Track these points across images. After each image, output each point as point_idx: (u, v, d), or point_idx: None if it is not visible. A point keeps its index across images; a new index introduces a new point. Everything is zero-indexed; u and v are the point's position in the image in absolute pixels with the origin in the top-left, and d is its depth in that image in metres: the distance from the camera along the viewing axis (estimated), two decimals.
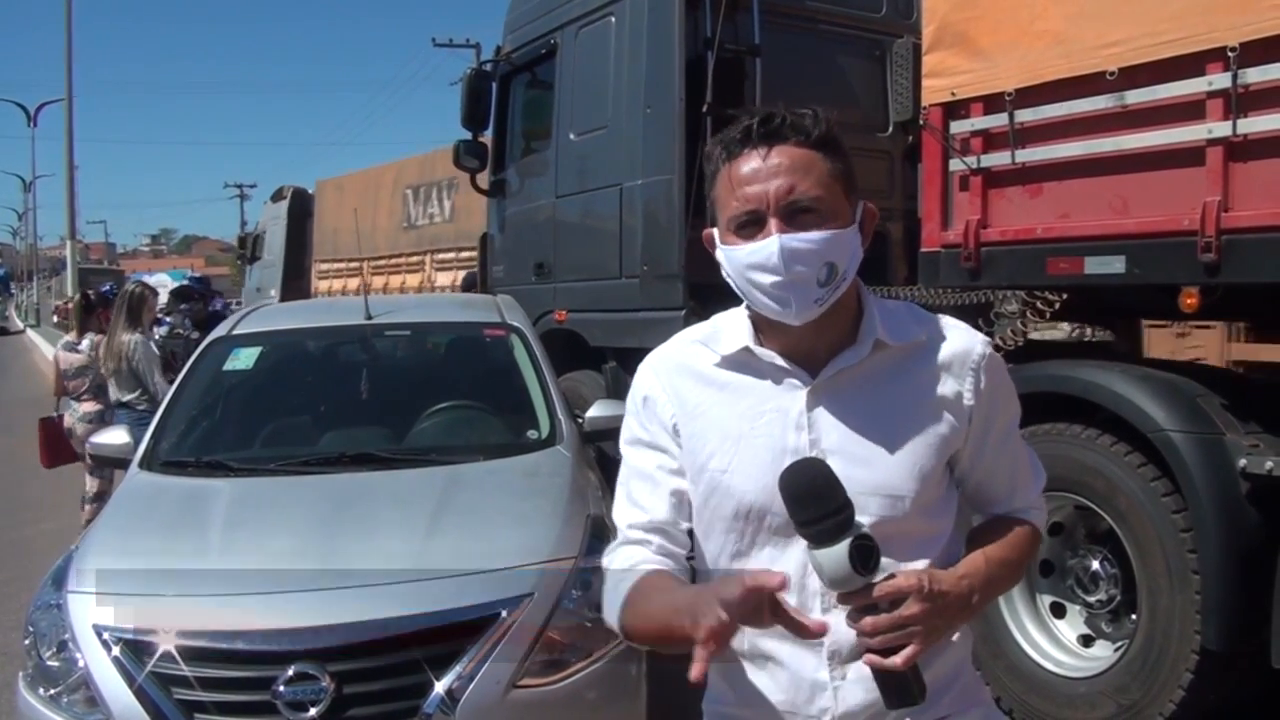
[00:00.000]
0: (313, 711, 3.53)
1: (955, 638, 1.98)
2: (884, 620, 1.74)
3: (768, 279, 1.86)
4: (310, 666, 3.58)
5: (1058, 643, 5.08)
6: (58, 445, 8.68)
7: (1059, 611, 5.13)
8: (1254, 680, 4.56)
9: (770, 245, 1.84)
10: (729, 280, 1.96)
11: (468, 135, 9.37)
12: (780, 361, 1.97)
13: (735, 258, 1.90)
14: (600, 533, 4.31)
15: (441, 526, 4.26)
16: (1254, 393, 4.87)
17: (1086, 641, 5.05)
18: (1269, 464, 4.23)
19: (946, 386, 1.97)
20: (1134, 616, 4.70)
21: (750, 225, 1.88)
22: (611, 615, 2.01)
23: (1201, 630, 4.34)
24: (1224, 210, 4.23)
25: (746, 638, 1.96)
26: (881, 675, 1.78)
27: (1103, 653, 4.93)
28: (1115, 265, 4.65)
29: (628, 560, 2.05)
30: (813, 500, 1.74)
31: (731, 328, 2.05)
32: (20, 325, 59.24)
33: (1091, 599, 4.96)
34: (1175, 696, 4.45)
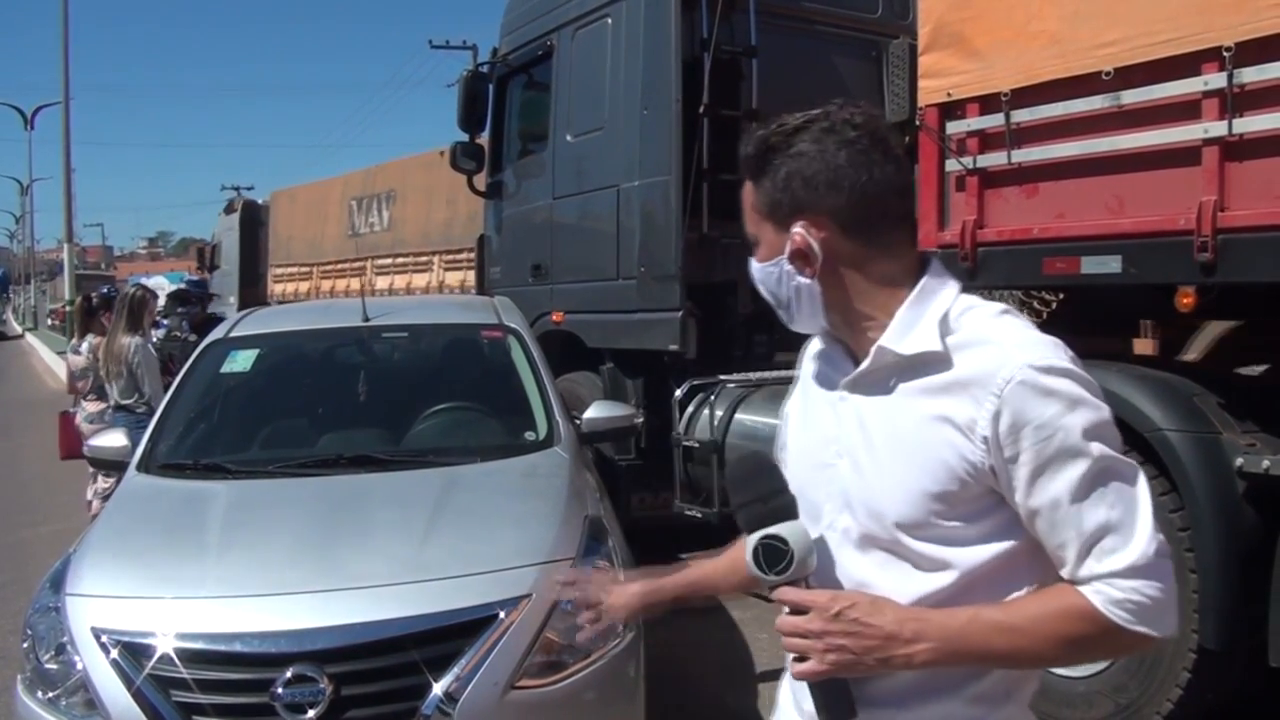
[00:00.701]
0: (311, 713, 3.52)
1: (967, 691, 1.80)
2: (784, 623, 1.77)
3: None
4: (309, 668, 3.57)
5: None
6: (72, 439, 8.76)
7: None
8: (1252, 679, 4.57)
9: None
10: None
11: (464, 137, 9.39)
12: (835, 353, 1.98)
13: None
14: (598, 533, 4.32)
15: (439, 528, 4.26)
16: (1250, 392, 4.88)
17: None
18: (1266, 463, 4.23)
19: (959, 410, 1.74)
20: None
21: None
22: None
23: (1199, 629, 4.35)
24: (1220, 210, 4.23)
25: None
26: (810, 684, 1.79)
27: None
28: (1111, 265, 4.65)
29: None
30: (734, 487, 1.84)
31: None
32: (18, 329, 58.87)
33: None
34: (1173, 695, 4.46)
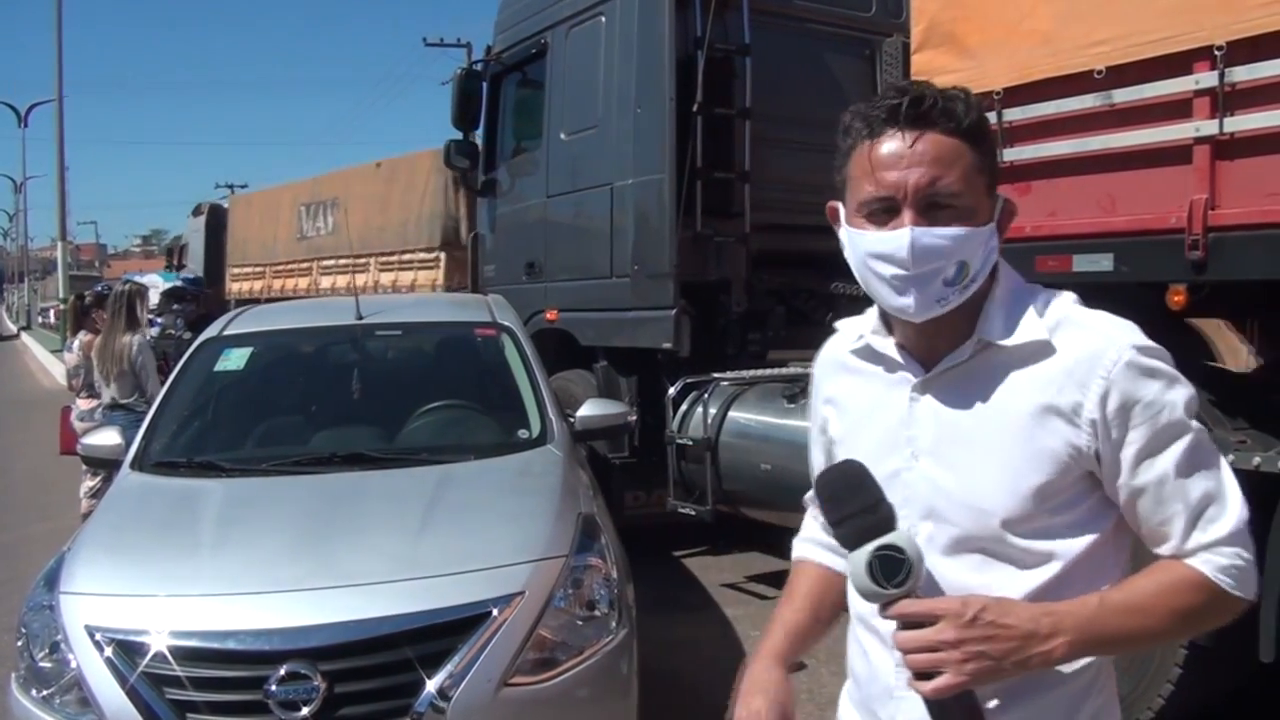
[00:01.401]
0: (305, 711, 3.54)
1: (1061, 685, 1.78)
2: (911, 640, 1.64)
3: (891, 270, 1.74)
4: (302, 666, 3.58)
5: None
6: (71, 434, 8.75)
7: None
8: (1242, 675, 4.58)
9: (901, 237, 1.72)
10: (848, 261, 1.85)
11: (458, 135, 9.40)
12: (896, 354, 1.88)
13: (860, 243, 1.79)
14: (591, 531, 4.33)
15: (433, 525, 4.27)
16: (1241, 389, 4.89)
17: None
18: (1256, 459, 4.24)
19: (1065, 395, 1.73)
20: None
21: (882, 212, 1.75)
22: None
23: None
24: (1211, 208, 4.23)
25: (854, 620, 1.96)
26: (928, 700, 1.66)
27: None
28: (1103, 263, 4.66)
29: (805, 525, 2.23)
30: (830, 502, 1.71)
31: (871, 315, 1.96)
32: (13, 328, 58.33)
33: None
34: (1164, 691, 4.47)
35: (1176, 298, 4.59)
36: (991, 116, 4.97)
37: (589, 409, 5.48)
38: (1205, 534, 1.73)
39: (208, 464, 5.09)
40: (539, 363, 5.83)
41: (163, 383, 6.28)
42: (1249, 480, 4.25)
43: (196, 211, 28.28)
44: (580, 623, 3.99)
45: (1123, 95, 4.51)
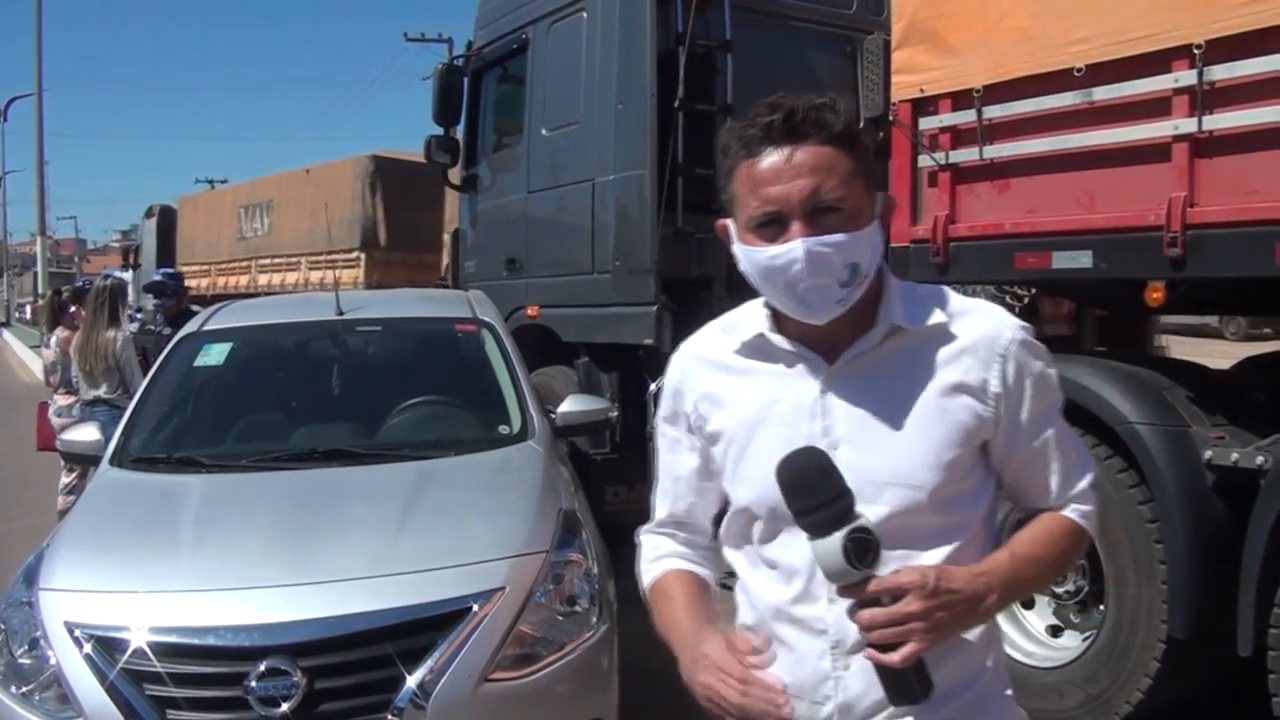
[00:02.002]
0: (285, 707, 3.53)
1: (973, 638, 1.92)
2: (881, 615, 1.72)
3: (790, 281, 1.82)
4: (282, 662, 3.57)
5: (1026, 633, 5.13)
6: (49, 430, 8.71)
7: (1027, 602, 5.16)
8: (1221, 669, 4.61)
9: (793, 250, 1.79)
10: (745, 275, 1.91)
11: (439, 130, 9.37)
12: (796, 348, 1.94)
13: (755, 259, 1.86)
14: (572, 526, 4.33)
15: (413, 521, 4.27)
16: (1220, 386, 4.92)
17: (1055, 632, 5.09)
18: (1234, 456, 4.27)
19: (970, 373, 1.90)
20: (1101, 607, 4.75)
21: (771, 225, 1.83)
22: (645, 596, 2.20)
23: (1168, 620, 4.39)
24: (1190, 206, 4.26)
25: (761, 616, 2.00)
26: (883, 671, 1.75)
27: (1071, 643, 4.97)
28: (1082, 260, 4.68)
29: (654, 547, 2.22)
30: (805, 490, 1.74)
31: (752, 313, 2.02)
32: None
33: (1059, 590, 4.99)
34: (1143, 685, 4.50)
35: (1155, 294, 4.62)
36: (971, 114, 5.00)
37: (570, 405, 5.48)
38: (1074, 489, 2.01)
39: (187, 460, 5.06)
40: (520, 358, 5.83)
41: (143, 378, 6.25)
42: (1227, 476, 4.30)
43: (149, 213, 29.94)
44: (561, 618, 3.99)
45: (1102, 93, 4.54)
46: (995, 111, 4.95)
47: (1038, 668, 4.97)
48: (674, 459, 2.17)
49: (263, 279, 21.73)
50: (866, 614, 1.73)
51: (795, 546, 1.89)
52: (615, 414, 6.63)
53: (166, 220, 28.65)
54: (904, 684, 1.74)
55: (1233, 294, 5.37)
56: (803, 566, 1.90)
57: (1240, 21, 4.04)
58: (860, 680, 1.87)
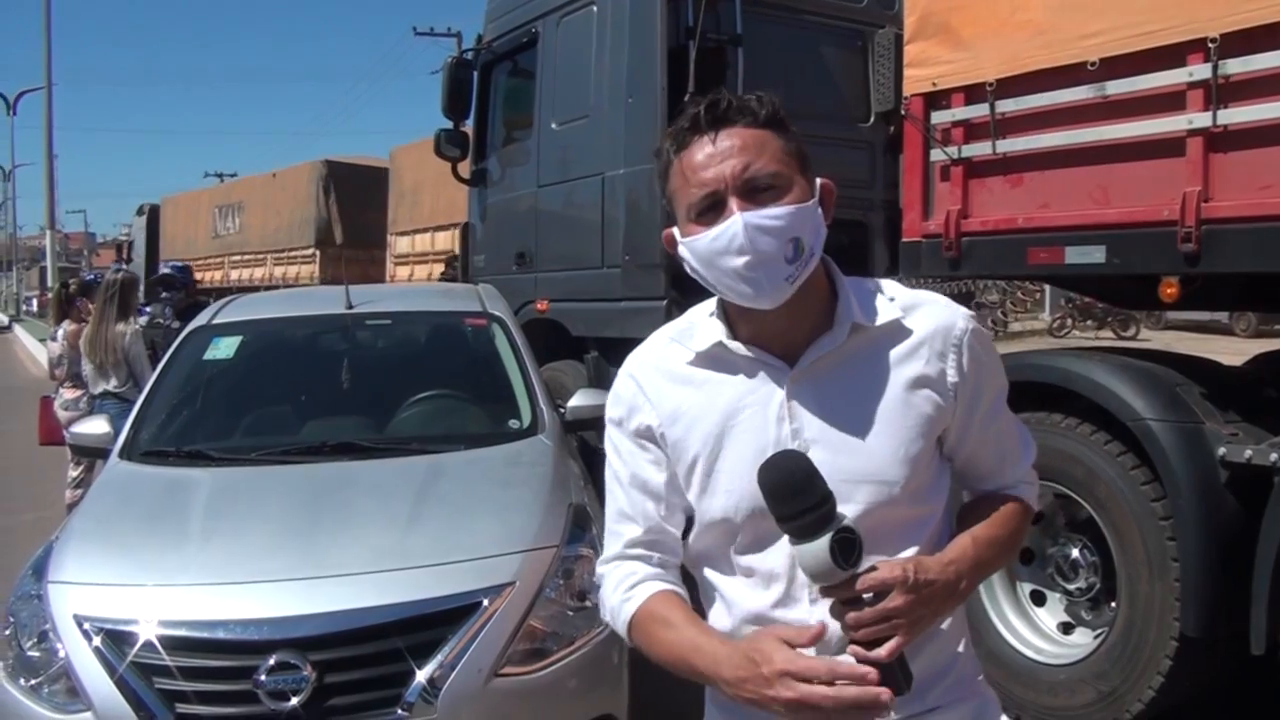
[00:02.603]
0: (294, 701, 3.53)
1: (946, 627, 1.95)
2: (867, 614, 1.73)
3: (735, 261, 1.81)
4: (292, 656, 3.57)
5: (1038, 630, 5.11)
6: (52, 424, 8.70)
7: (1039, 599, 5.15)
8: (1233, 667, 4.60)
9: (734, 225, 1.80)
10: (695, 274, 1.91)
11: (449, 124, 9.35)
12: (756, 354, 1.94)
13: (699, 247, 1.86)
14: (582, 521, 4.32)
15: (423, 516, 4.26)
16: (1233, 382, 4.90)
17: (1066, 629, 5.07)
18: (1248, 452, 4.25)
19: (929, 365, 1.93)
20: (1114, 604, 4.73)
21: (710, 210, 1.84)
22: (619, 628, 2.05)
23: (1180, 617, 4.37)
24: (1204, 200, 4.24)
25: (738, 623, 1.96)
26: (879, 665, 1.74)
27: (1083, 640, 4.95)
28: (1095, 255, 4.66)
29: (628, 574, 2.06)
30: (791, 495, 1.73)
31: (705, 323, 2.01)
32: (4, 319, 57.05)
33: (1071, 587, 4.98)
34: (1154, 683, 4.48)
35: (1169, 290, 4.60)
36: (984, 108, 4.98)
37: (580, 399, 5.46)
38: (1019, 468, 2.10)
39: (197, 453, 5.07)
40: (529, 353, 5.82)
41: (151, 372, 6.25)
42: (1240, 473, 4.28)
43: (139, 212, 32.51)
44: (571, 613, 3.98)
45: (1116, 87, 4.51)
46: (1008, 105, 4.93)
47: (1049, 665, 4.95)
48: (639, 476, 2.06)
49: (234, 274, 23.91)
50: (854, 615, 1.73)
51: (774, 551, 1.89)
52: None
53: (154, 218, 31.21)
54: (889, 678, 1.74)
55: (1246, 290, 5.34)
56: (782, 571, 1.90)
57: (1255, 15, 4.02)
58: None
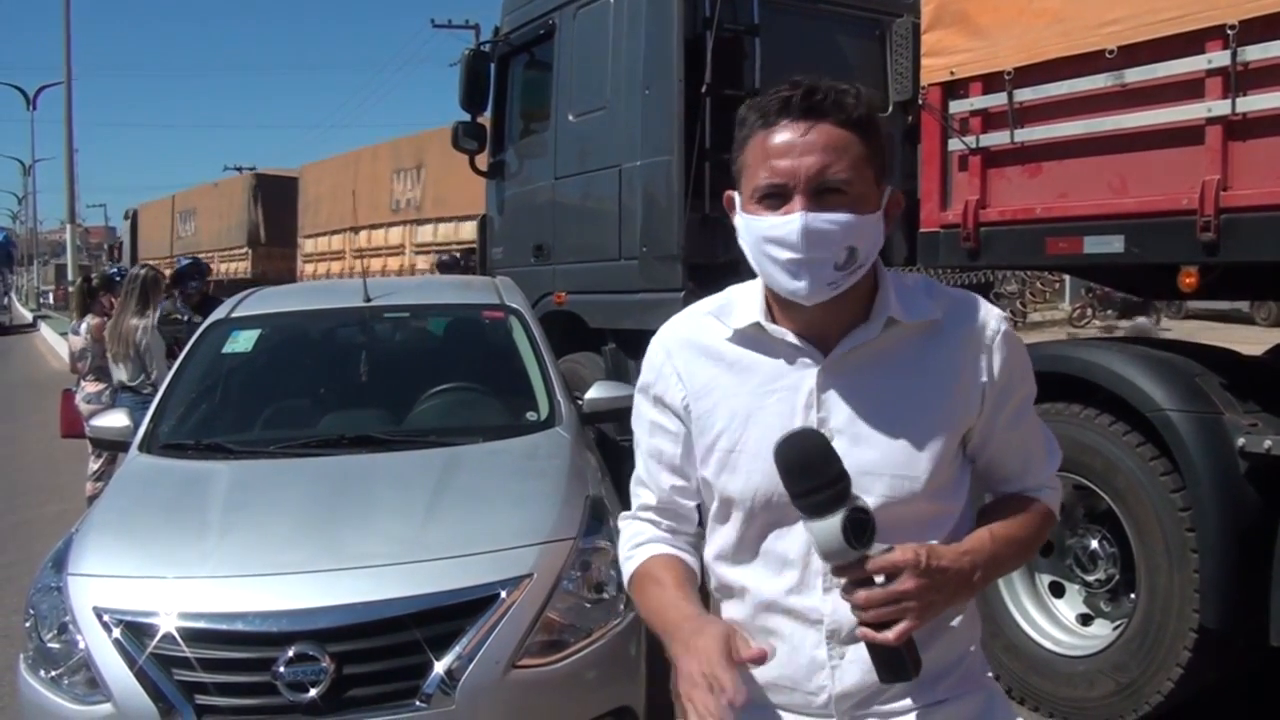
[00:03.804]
0: (313, 692, 3.54)
1: (958, 622, 1.98)
2: (877, 594, 1.74)
3: (785, 254, 1.82)
4: (310, 647, 3.58)
5: (1057, 622, 5.10)
6: (73, 417, 8.75)
7: (1058, 591, 5.14)
8: (1252, 659, 4.58)
9: (793, 221, 1.80)
10: (743, 247, 1.92)
11: (466, 116, 9.36)
12: (792, 339, 1.95)
13: (755, 228, 1.86)
14: (600, 513, 4.32)
15: (441, 508, 4.27)
16: (1252, 372, 4.87)
17: (1085, 620, 5.06)
18: (1267, 443, 4.23)
19: (961, 364, 1.94)
20: (1132, 595, 4.71)
21: (775, 198, 1.83)
22: (625, 583, 2.19)
23: (1200, 609, 4.35)
24: (1223, 189, 4.21)
25: (751, 609, 2.00)
26: (875, 649, 1.78)
27: (1101, 631, 4.94)
28: (1114, 245, 4.64)
29: (636, 533, 2.18)
30: (806, 471, 1.74)
31: (745, 301, 2.02)
32: (28, 316, 56.14)
33: (1090, 578, 4.97)
34: (1173, 675, 4.46)
35: (1188, 279, 4.58)
36: (1002, 97, 4.96)
37: (597, 391, 5.47)
38: (1044, 472, 2.10)
39: (216, 446, 5.09)
40: (547, 345, 5.83)
41: (170, 366, 6.28)
42: (1260, 464, 4.26)
43: (126, 215, 36.89)
44: (588, 605, 3.99)
45: (1134, 75, 4.49)
46: (1026, 94, 4.91)
47: (1068, 656, 4.94)
48: (656, 444, 2.12)
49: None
50: (864, 594, 1.75)
51: (790, 536, 1.92)
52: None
53: (137, 222, 35.72)
54: (896, 662, 1.78)
55: (1267, 279, 5.30)
56: (797, 557, 1.93)
57: (1275, 1, 3.99)
58: (856, 669, 1.91)
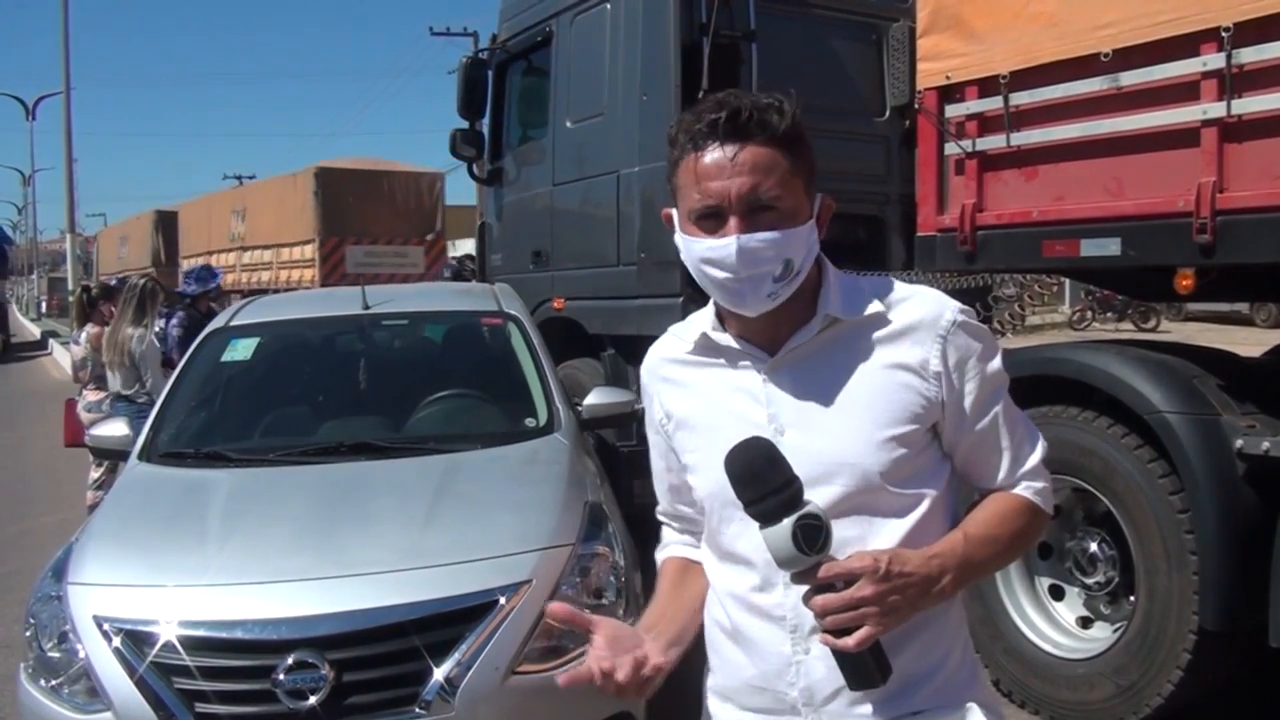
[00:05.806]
0: (312, 700, 3.54)
1: (935, 627, 1.97)
2: (833, 600, 1.76)
3: (722, 274, 1.89)
4: (310, 655, 3.59)
5: (1056, 625, 5.10)
6: (77, 426, 8.77)
7: (1057, 594, 5.14)
8: (1252, 660, 4.57)
9: (728, 245, 1.86)
10: (686, 264, 1.98)
11: (464, 124, 9.36)
12: (737, 344, 2.02)
13: (693, 250, 1.93)
14: (598, 519, 4.33)
15: (440, 514, 4.27)
16: (1250, 374, 4.88)
17: (1085, 623, 5.06)
18: (1265, 444, 4.23)
19: (911, 354, 1.95)
20: (1132, 598, 4.72)
21: (710, 218, 1.89)
22: None
23: (1199, 610, 4.35)
24: (1219, 191, 4.22)
25: (726, 605, 2.05)
26: (840, 656, 1.79)
27: (1101, 634, 4.94)
28: (1111, 247, 4.65)
29: (664, 536, 2.34)
30: (752, 479, 1.79)
31: (700, 315, 2.11)
32: (36, 332, 52.40)
33: (1090, 581, 4.97)
34: (1173, 677, 4.47)
35: (1185, 282, 4.58)
36: (998, 100, 4.97)
37: (596, 397, 5.47)
38: (1023, 466, 2.05)
39: (215, 454, 5.09)
40: (545, 351, 5.83)
41: (167, 376, 6.29)
42: (1258, 465, 4.26)
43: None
44: (588, 611, 3.98)
45: (1130, 78, 4.50)
46: (1022, 98, 4.92)
47: (1068, 659, 4.94)
48: (655, 458, 2.27)
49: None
50: (820, 600, 1.77)
51: (748, 536, 1.93)
52: (641, 406, 6.62)
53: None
54: (862, 668, 1.78)
55: (1264, 280, 5.31)
56: (757, 556, 1.94)
57: (1269, 3, 4.00)
58: (822, 664, 1.91)
